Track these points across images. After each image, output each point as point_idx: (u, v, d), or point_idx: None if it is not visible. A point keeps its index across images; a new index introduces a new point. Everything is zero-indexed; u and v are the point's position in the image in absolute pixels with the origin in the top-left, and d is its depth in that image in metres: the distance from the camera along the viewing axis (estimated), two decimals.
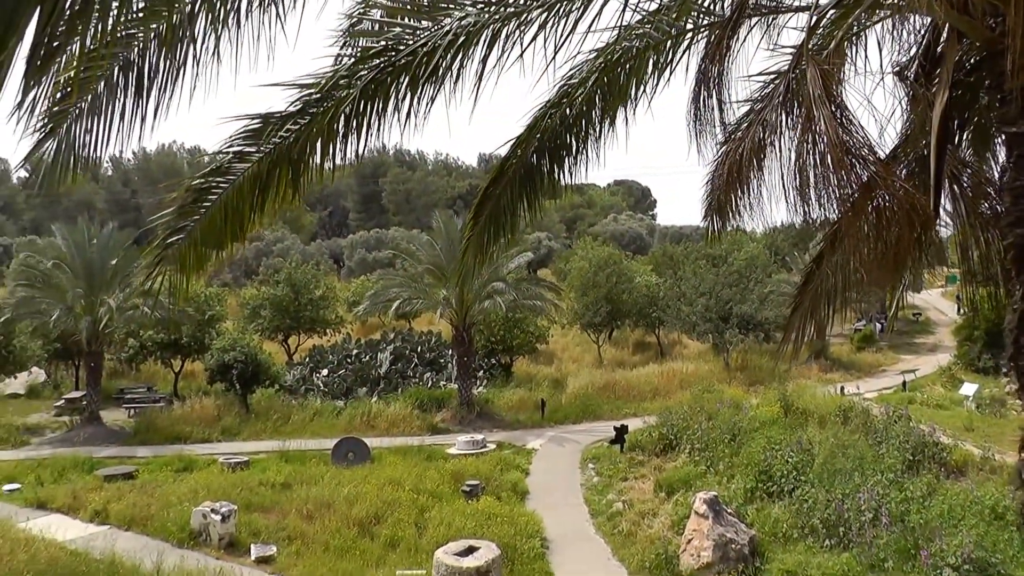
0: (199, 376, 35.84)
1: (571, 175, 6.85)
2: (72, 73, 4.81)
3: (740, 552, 15.73)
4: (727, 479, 19.52)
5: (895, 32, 6.08)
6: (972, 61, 5.76)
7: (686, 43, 6.28)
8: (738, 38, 6.08)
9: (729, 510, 16.55)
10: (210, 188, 5.99)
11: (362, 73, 5.45)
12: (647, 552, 16.62)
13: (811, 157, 5.24)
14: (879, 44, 6.07)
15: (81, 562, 15.97)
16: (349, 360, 36.00)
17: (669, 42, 6.26)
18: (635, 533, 18.02)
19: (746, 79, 6.35)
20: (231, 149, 5.78)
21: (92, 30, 3.63)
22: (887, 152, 6.00)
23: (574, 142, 6.70)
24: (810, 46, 5.72)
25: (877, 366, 39.17)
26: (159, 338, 34.31)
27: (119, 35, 4.82)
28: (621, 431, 24.24)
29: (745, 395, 28.45)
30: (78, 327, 28.70)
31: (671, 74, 6.37)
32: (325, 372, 34.75)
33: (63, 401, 32.67)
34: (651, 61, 6.35)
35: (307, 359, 36.97)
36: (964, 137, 6.26)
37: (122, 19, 4.58)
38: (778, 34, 6.31)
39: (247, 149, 5.76)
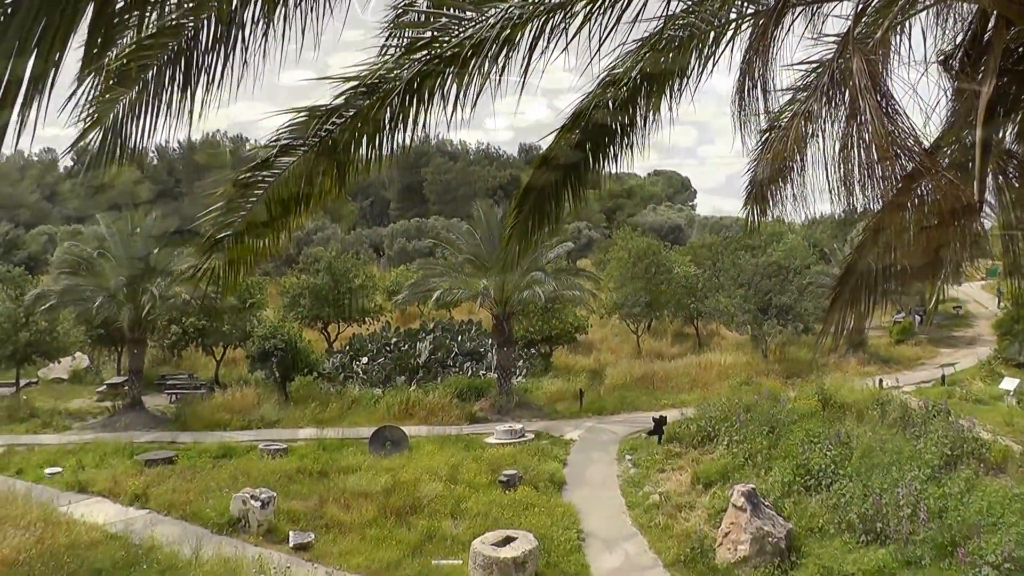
0: (240, 364, 36.11)
1: (615, 164, 6.86)
2: (124, 62, 4.88)
3: (777, 546, 15.65)
4: (764, 472, 19.41)
5: (940, 20, 6.03)
6: (1020, 50, 5.70)
7: (730, 33, 6.25)
8: (782, 27, 6.06)
9: (766, 503, 16.46)
10: (256, 183, 6.05)
11: (408, 65, 5.49)
12: (683, 545, 16.56)
13: (855, 147, 5.22)
14: (923, 33, 6.02)
15: (121, 546, 16.19)
16: (388, 349, 36.14)
17: (713, 33, 6.24)
18: (672, 526, 17.97)
19: (789, 68, 6.33)
20: (277, 143, 5.84)
21: (146, 20, 3.69)
22: (931, 142, 5.95)
23: (617, 132, 6.71)
24: (855, 34, 5.69)
25: (916, 359, 38.72)
26: (201, 325, 34.61)
27: (170, 24, 4.90)
28: (659, 422, 24.18)
29: (783, 387, 28.31)
30: (120, 314, 29.03)
31: (714, 64, 6.36)
32: (364, 360, 34.90)
33: (105, 387, 33.05)
34: (695, 51, 6.33)
35: (346, 347, 37.13)
36: (1010, 127, 6.19)
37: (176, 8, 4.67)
38: (822, 22, 6.27)
39: (293, 143, 5.81)
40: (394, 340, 37.11)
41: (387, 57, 5.64)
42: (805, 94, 6.02)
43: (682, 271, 43.19)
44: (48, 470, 22.34)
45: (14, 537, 15.76)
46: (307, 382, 30.85)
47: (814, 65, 6.40)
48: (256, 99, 5.32)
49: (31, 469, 22.61)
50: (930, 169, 5.17)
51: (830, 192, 5.26)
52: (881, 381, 29.64)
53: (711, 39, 6.29)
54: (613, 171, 6.90)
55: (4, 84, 2.72)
